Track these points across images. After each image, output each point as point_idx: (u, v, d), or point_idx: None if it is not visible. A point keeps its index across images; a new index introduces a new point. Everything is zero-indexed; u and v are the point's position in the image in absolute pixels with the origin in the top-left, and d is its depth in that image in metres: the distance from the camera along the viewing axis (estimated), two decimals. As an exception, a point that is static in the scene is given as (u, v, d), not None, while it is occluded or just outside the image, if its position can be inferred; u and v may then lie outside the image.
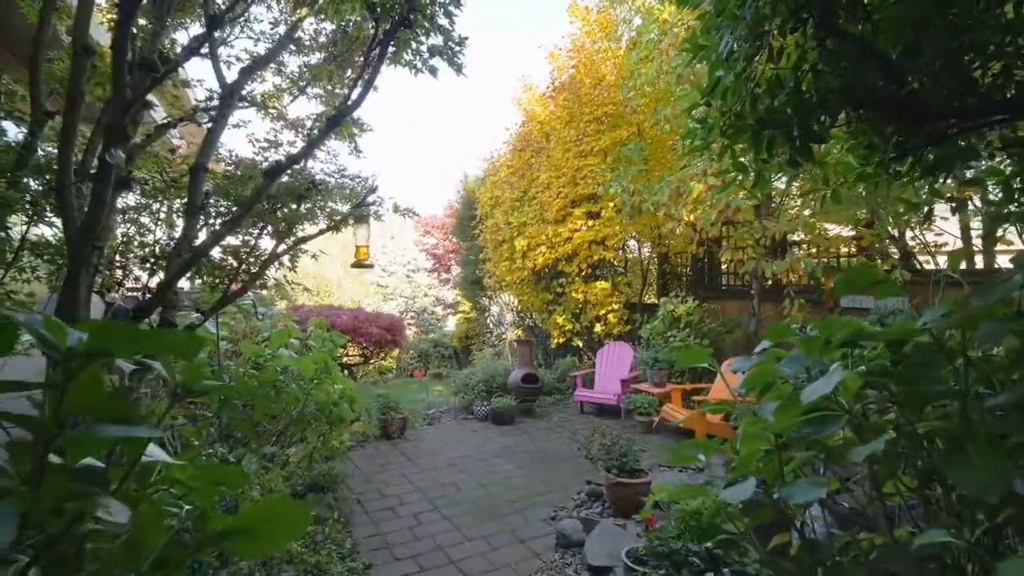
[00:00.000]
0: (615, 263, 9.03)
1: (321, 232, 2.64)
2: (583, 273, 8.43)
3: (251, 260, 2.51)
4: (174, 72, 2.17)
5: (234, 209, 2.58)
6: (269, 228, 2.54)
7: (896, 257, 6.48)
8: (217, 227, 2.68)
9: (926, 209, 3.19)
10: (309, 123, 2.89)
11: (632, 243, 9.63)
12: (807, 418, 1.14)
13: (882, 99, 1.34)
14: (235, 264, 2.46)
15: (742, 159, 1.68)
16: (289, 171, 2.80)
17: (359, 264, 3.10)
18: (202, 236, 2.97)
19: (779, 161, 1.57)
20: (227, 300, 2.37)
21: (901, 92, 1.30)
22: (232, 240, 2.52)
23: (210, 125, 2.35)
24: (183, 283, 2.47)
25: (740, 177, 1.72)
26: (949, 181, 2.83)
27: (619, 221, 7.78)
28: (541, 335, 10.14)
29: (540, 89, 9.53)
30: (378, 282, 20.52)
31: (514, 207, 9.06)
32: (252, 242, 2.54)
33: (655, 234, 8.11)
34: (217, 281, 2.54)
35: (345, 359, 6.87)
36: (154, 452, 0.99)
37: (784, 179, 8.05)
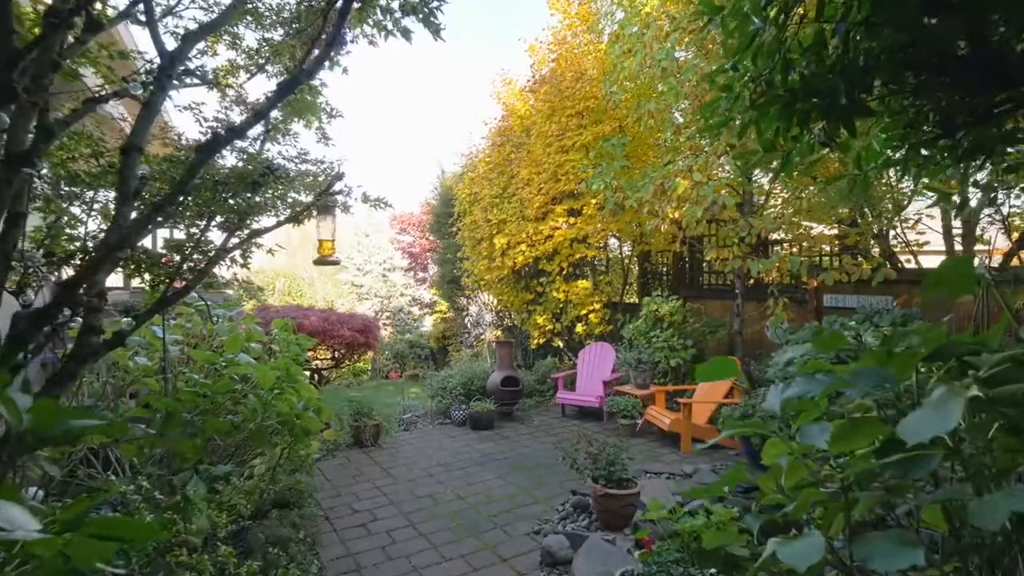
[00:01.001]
0: (597, 262, 8.84)
1: (279, 224, 2.33)
2: (564, 272, 8.22)
3: (197, 256, 2.19)
4: (97, 32, 1.83)
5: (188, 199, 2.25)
6: (218, 219, 2.22)
7: (877, 255, 6.44)
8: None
9: (958, 200, 3.04)
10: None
11: (613, 242, 9.46)
12: (897, 457, 0.88)
13: (947, 61, 1.11)
14: (178, 260, 2.13)
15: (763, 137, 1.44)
16: (241, 155, 2.48)
17: (323, 260, 2.78)
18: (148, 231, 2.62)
19: (813, 139, 1.34)
20: (167, 301, 2.05)
21: (972, 50, 1.08)
22: (175, 233, 2.20)
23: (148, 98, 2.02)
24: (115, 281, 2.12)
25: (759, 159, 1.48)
26: (983, 168, 2.64)
27: (601, 218, 7.58)
28: (521, 335, 9.90)
29: (520, 83, 9.28)
30: (352, 281, 20.02)
31: (493, 204, 8.78)
32: (199, 235, 2.22)
33: (637, 232, 7.94)
34: (158, 280, 2.20)
35: (315, 363, 6.50)
36: (13, 518, 0.70)
37: (766, 177, 7.98)
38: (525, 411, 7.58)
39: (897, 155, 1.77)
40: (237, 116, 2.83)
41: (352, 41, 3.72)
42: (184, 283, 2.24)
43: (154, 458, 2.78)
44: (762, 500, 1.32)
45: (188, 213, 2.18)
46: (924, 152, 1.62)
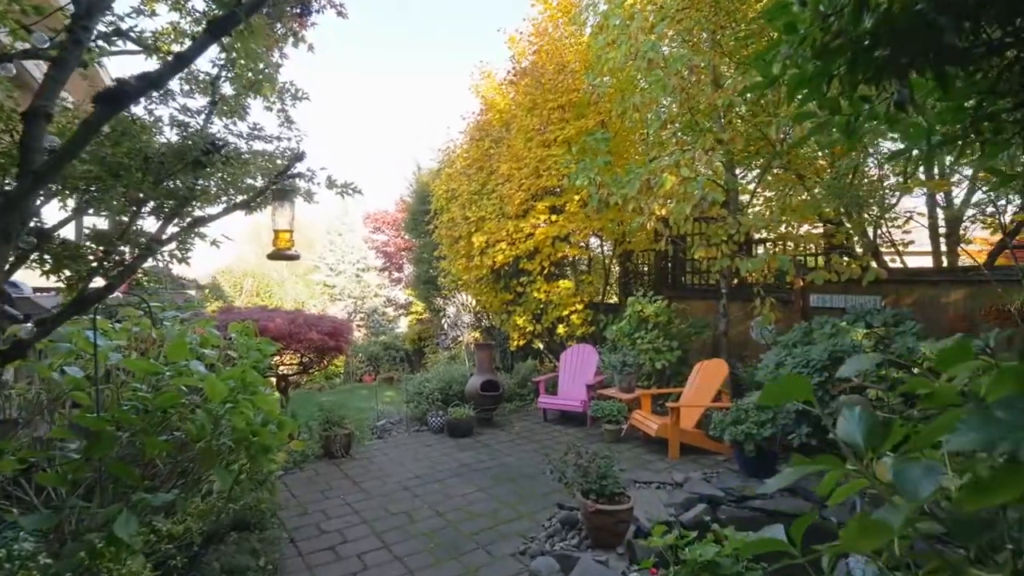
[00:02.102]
0: (579, 261, 8.60)
1: (226, 211, 1.98)
2: (546, 272, 7.94)
3: (125, 249, 1.82)
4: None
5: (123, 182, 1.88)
6: (151, 205, 1.86)
7: (865, 255, 6.35)
8: (79, 202, 1.97)
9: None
10: (214, 71, 2.20)
11: (593, 241, 9.24)
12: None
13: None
14: (102, 252, 1.76)
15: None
16: (183, 130, 2.10)
17: (280, 254, 2.42)
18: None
19: (889, 98, 1.07)
20: (86, 302, 1.68)
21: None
22: (98, 222, 1.84)
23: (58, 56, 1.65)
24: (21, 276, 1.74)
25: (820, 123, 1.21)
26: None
27: (584, 216, 7.33)
28: (500, 337, 9.59)
29: (499, 77, 8.98)
30: (325, 282, 19.45)
31: (472, 201, 8.46)
32: (128, 224, 1.85)
33: (620, 231, 7.72)
34: (78, 277, 1.83)
35: (282, 369, 6.08)
36: None
37: (750, 175, 7.86)
38: (505, 416, 7.27)
39: (944, 131, 1.52)
40: (192, 100, 2.46)
41: (318, 11, 3.35)
42: (115, 279, 1.87)
43: (89, 484, 2.38)
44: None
45: (113, 197, 1.81)
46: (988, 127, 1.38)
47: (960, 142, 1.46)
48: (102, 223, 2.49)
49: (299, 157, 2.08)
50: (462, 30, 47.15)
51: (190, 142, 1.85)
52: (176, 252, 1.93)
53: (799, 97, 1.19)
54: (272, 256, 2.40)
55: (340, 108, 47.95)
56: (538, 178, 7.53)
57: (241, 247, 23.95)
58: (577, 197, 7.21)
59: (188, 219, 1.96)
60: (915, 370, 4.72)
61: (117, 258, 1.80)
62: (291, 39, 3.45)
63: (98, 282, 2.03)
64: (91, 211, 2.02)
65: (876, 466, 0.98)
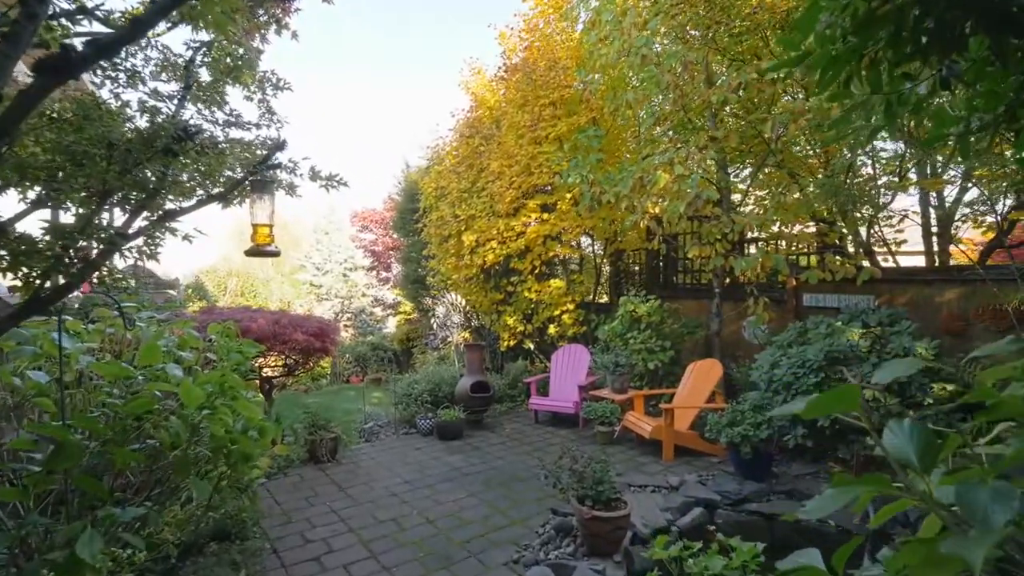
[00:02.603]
0: (570, 260, 8.50)
1: (200, 203, 1.83)
2: (537, 271, 7.82)
3: (88, 243, 1.66)
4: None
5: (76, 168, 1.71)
6: (117, 197, 1.70)
7: (859, 254, 6.32)
8: (39, 194, 1.80)
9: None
10: (187, 53, 2.05)
11: (584, 240, 9.14)
12: None
13: None
14: (60, 248, 1.60)
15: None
16: (152, 115, 1.95)
17: (259, 251, 2.26)
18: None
19: (935, 76, 0.97)
20: (42, 302, 1.53)
21: None
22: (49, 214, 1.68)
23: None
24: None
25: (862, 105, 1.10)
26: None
27: (575, 214, 7.23)
28: (489, 337, 9.46)
29: (490, 73, 8.85)
30: (311, 281, 19.19)
31: (462, 198, 8.31)
32: (89, 217, 1.69)
33: (612, 230, 7.64)
34: (34, 275, 1.67)
35: (266, 371, 5.89)
36: None
37: (743, 174, 7.82)
38: (496, 418, 7.15)
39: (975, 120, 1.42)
40: (164, 84, 2.30)
41: (302, -5, 3.20)
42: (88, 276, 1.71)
43: (58, 497, 2.21)
44: None
45: (75, 187, 1.65)
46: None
47: (980, 133, 1.36)
48: (70, 217, 2.32)
49: (280, 146, 1.93)
50: (452, 26, 46.92)
51: (160, 128, 1.69)
52: (145, 248, 1.78)
53: (829, 74, 1.07)
54: (250, 252, 2.24)
55: (326, 105, 47.49)
56: (529, 175, 7.42)
57: (226, 247, 23.53)
58: (569, 195, 7.10)
59: (158, 212, 1.80)
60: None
61: (78, 254, 1.64)
62: (274, 26, 3.29)
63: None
64: (50, 204, 1.86)
65: (922, 483, 0.87)
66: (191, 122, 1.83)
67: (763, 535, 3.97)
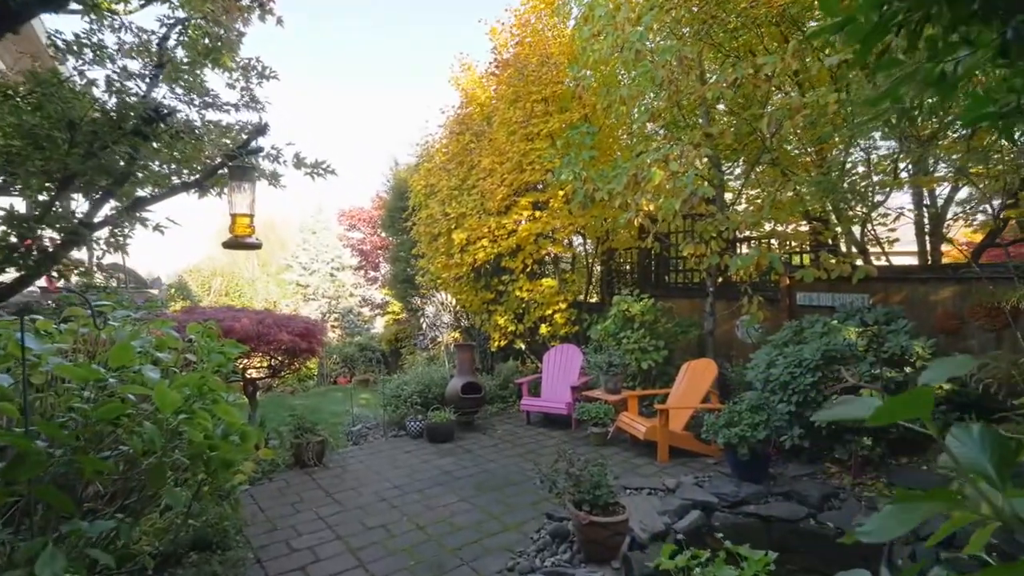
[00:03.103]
0: (562, 259, 8.39)
1: (173, 190, 1.69)
2: (528, 269, 7.71)
3: (48, 234, 1.51)
4: None
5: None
6: (80, 183, 1.55)
7: (854, 252, 6.29)
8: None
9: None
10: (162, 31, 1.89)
11: (576, 239, 9.05)
12: None
13: None
14: (15, 239, 1.45)
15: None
16: (118, 94, 1.79)
17: (238, 242, 2.10)
18: None
19: (997, 40, 0.86)
20: (-5, 299, 1.37)
21: None
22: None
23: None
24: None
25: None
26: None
27: (568, 212, 7.13)
28: (480, 337, 9.33)
29: (480, 69, 8.72)
30: (298, 281, 18.88)
31: (452, 196, 8.17)
32: (51, 204, 1.54)
33: (604, 228, 7.55)
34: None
35: (250, 372, 5.70)
36: None
37: (736, 171, 7.77)
38: (487, 419, 7.01)
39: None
40: (134, 62, 2.14)
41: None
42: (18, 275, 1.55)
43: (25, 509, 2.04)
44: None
45: (32, 171, 1.49)
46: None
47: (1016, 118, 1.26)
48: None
49: (261, 130, 1.79)
50: (440, 21, 46.67)
51: (129, 108, 1.55)
52: (112, 239, 1.62)
53: (871, 40, 0.97)
54: (229, 244, 2.08)
55: (313, 100, 46.99)
56: (521, 173, 7.30)
57: (211, 247, 23.11)
58: (561, 192, 7.00)
59: (127, 201, 1.66)
60: (907, 369, 4.65)
61: (36, 244, 1.49)
62: (257, 10, 3.14)
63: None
64: (13, 191, 1.70)
65: (999, 497, 0.76)
66: (164, 102, 1.69)
67: (761, 537, 3.89)
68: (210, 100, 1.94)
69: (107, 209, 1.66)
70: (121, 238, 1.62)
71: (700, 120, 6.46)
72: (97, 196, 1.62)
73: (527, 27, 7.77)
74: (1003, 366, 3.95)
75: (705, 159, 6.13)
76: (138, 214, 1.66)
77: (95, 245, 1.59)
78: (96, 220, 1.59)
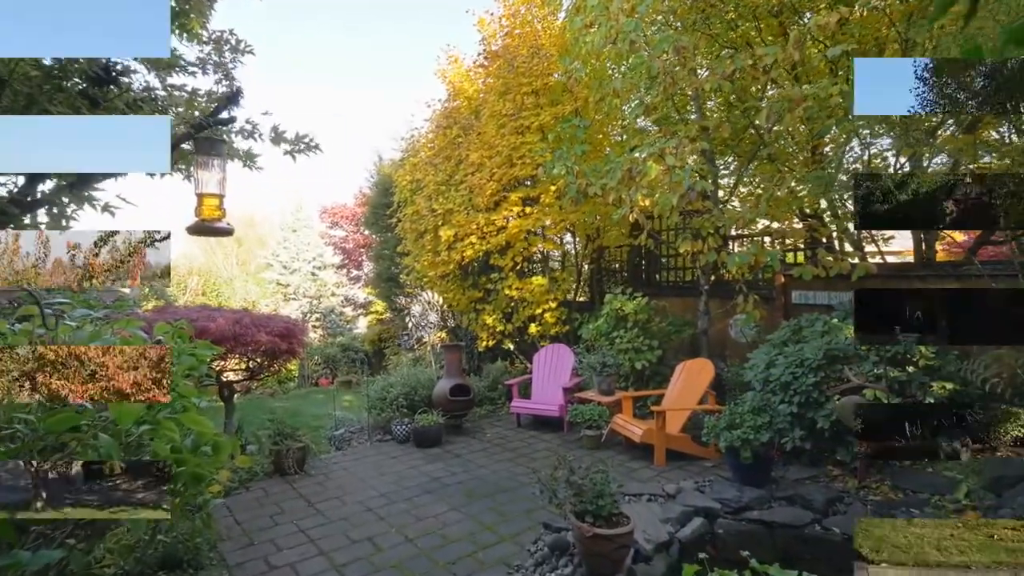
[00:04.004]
0: (553, 257, 8.20)
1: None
2: (518, 267, 7.49)
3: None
4: None
5: None
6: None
7: (850, 250, 6.21)
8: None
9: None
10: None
11: (565, 237, 8.86)
12: None
13: None
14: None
15: None
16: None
17: (205, 227, 1.83)
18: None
19: None
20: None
21: None
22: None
23: None
24: None
25: None
26: None
27: (559, 208, 6.93)
28: (467, 337, 9.09)
29: (468, 62, 8.48)
30: (278, 280, 18.42)
31: (439, 192, 7.92)
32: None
33: (594, 225, 7.37)
34: None
35: (226, 375, 5.39)
36: None
37: (731, 167, 7.66)
38: (476, 422, 6.79)
39: None
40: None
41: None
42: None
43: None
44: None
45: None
46: None
47: None
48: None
49: (233, 97, 1.54)
50: (430, 18, 46.19)
51: (71, 63, 1.29)
52: (52, 221, 1.37)
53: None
54: (195, 229, 1.81)
55: (297, 95, 46.09)
56: (511, 167, 7.08)
57: (187, 244, 22.46)
58: (553, 188, 6.80)
59: (70, 177, 1.40)
60: (910, 368, 4.54)
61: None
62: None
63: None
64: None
65: None
66: (114, 61, 1.43)
67: (765, 544, 3.74)
68: (172, 60, 1.68)
69: (48, 186, 1.41)
70: (63, 220, 1.37)
71: (693, 115, 6.31)
72: (32, 171, 1.37)
73: (516, 17, 7.56)
74: (1010, 364, 3.86)
75: (700, 154, 5.99)
76: (85, 193, 1.40)
77: (32, 227, 1.34)
78: (32, 199, 1.33)
